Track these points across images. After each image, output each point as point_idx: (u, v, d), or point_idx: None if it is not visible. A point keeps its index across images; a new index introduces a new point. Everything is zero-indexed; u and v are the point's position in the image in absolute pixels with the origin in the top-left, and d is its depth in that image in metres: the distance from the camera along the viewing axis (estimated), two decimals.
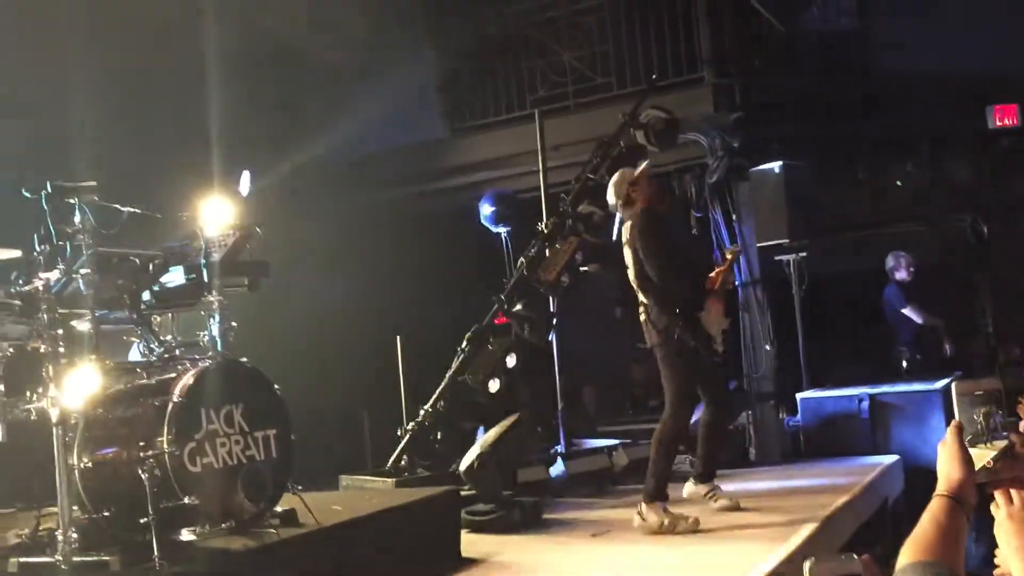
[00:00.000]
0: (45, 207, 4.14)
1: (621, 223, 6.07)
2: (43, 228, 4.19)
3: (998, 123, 9.62)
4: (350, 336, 8.60)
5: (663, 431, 5.77)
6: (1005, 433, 1.87)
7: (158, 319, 4.81)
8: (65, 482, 3.82)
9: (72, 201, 4.17)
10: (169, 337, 4.71)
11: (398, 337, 7.74)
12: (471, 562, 5.14)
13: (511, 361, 7.23)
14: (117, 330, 4.75)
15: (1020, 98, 9.49)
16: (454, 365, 7.03)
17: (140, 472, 3.87)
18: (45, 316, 3.96)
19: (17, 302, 4.09)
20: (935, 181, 9.92)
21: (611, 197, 6.07)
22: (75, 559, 3.73)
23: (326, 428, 7.35)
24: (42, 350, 3.96)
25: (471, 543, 5.43)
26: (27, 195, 4.17)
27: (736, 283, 8.07)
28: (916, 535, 1.78)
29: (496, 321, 7.21)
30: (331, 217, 9.26)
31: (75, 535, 3.77)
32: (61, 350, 3.95)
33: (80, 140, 6.68)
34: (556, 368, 7.90)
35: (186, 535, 4.06)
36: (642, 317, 5.87)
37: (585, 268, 7.58)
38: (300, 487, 4.52)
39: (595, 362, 9.19)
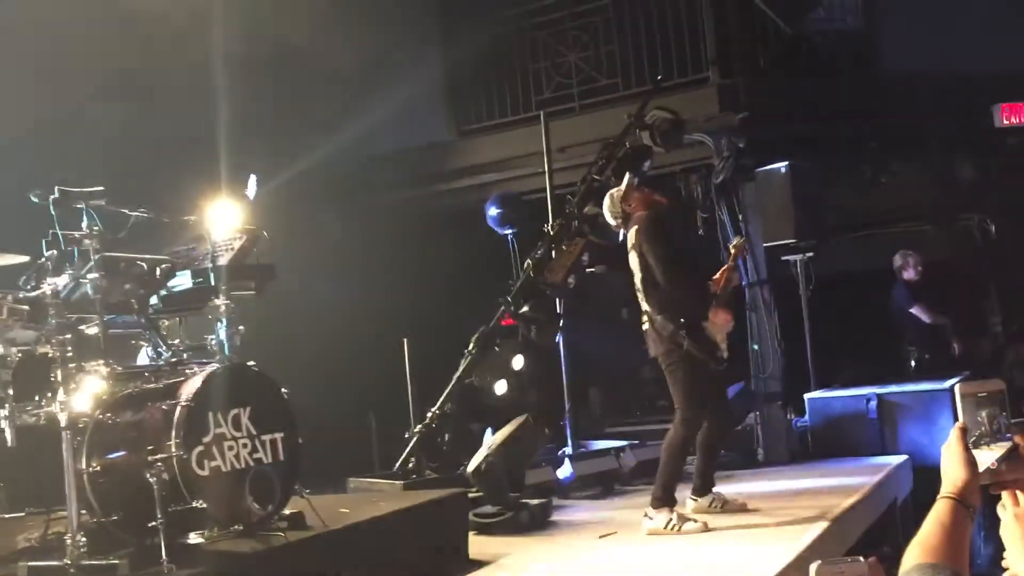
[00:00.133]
0: (53, 212, 4.16)
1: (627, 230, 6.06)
2: (51, 233, 4.22)
3: (1005, 122, 9.60)
4: (357, 338, 8.62)
5: (673, 438, 5.75)
6: (1009, 435, 1.87)
7: (166, 323, 4.83)
8: (74, 486, 3.84)
9: (79, 206, 4.20)
10: (177, 341, 4.73)
11: (405, 339, 7.75)
12: (478, 564, 5.15)
13: (518, 363, 7.24)
14: (125, 334, 4.77)
15: None
16: (461, 367, 7.04)
17: (148, 476, 3.89)
18: (53, 321, 3.99)
19: (25, 307, 4.10)
20: (942, 180, 9.90)
21: (610, 220, 6.07)
22: (84, 563, 3.74)
23: (333, 431, 7.35)
24: (51, 355, 3.99)
25: (478, 545, 5.44)
26: (35, 200, 4.19)
27: (743, 283, 8.06)
28: (921, 537, 1.78)
29: (503, 323, 7.22)
30: (337, 220, 9.28)
31: (84, 539, 3.78)
32: (69, 355, 3.97)
33: (87, 145, 6.71)
34: (563, 369, 7.90)
35: (194, 538, 4.08)
36: (645, 326, 5.85)
37: (592, 269, 7.58)
38: (308, 490, 4.54)
39: (602, 363, 9.19)
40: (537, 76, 10.02)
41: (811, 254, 8.94)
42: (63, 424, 3.87)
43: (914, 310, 9.55)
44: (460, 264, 9.23)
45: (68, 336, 3.98)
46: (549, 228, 7.40)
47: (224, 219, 4.81)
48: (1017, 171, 9.81)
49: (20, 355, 4.11)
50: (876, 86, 9.48)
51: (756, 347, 8.63)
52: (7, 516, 4.18)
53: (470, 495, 5.87)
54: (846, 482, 6.82)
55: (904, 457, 7.70)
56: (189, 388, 4.21)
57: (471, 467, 6.23)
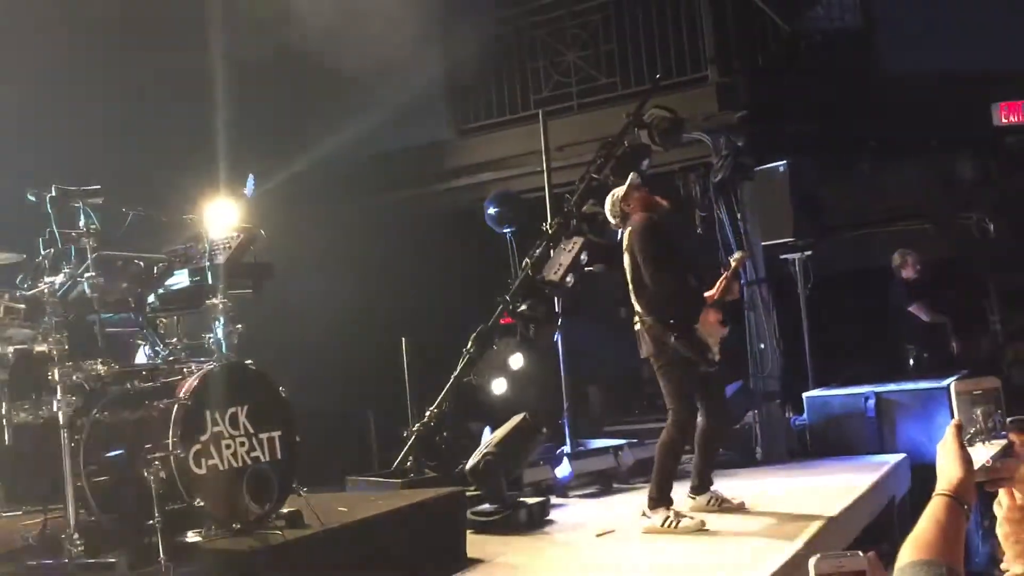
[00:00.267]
0: (50, 211, 4.16)
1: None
2: (48, 232, 4.21)
3: (1004, 120, 9.60)
4: (355, 337, 8.62)
5: (666, 438, 5.77)
6: (1004, 432, 1.87)
7: (163, 322, 4.82)
8: (71, 484, 3.83)
9: (76, 204, 4.19)
10: (174, 340, 4.72)
11: (403, 338, 7.74)
12: (476, 562, 5.15)
13: (516, 362, 7.23)
14: (122, 333, 4.76)
15: None
16: (459, 366, 7.03)
17: (146, 474, 3.88)
18: (51, 319, 3.98)
19: (23, 305, 4.10)
20: (941, 178, 9.90)
21: (611, 218, 6.09)
22: (81, 561, 3.74)
23: (331, 429, 7.36)
24: (48, 353, 3.98)
25: (476, 543, 5.43)
26: (32, 199, 4.19)
27: (741, 291, 8.05)
28: (916, 534, 1.78)
29: (501, 322, 7.21)
30: (336, 219, 9.27)
31: (81, 537, 3.78)
32: (67, 353, 3.96)
33: (85, 143, 6.70)
34: (561, 368, 7.90)
35: (192, 537, 4.08)
36: (637, 327, 5.86)
37: (590, 268, 7.57)
38: (305, 489, 4.53)
39: (601, 362, 9.19)
40: (536, 75, 10.02)
41: (810, 253, 8.94)
42: (60, 422, 3.87)
43: (912, 309, 9.55)
44: (458, 263, 9.23)
45: (65, 334, 3.97)
46: (548, 227, 7.39)
47: (222, 218, 4.80)
48: (1015, 169, 9.81)
49: (17, 353, 4.11)
50: (875, 85, 9.49)
51: (762, 346, 8.62)
52: (4, 515, 4.18)
53: (468, 494, 5.87)
54: (844, 480, 6.82)
55: (902, 456, 7.70)
56: (187, 387, 4.21)
57: (469, 466, 6.23)
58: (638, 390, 10.27)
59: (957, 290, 10.11)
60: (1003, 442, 1.87)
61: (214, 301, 4.56)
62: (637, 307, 5.84)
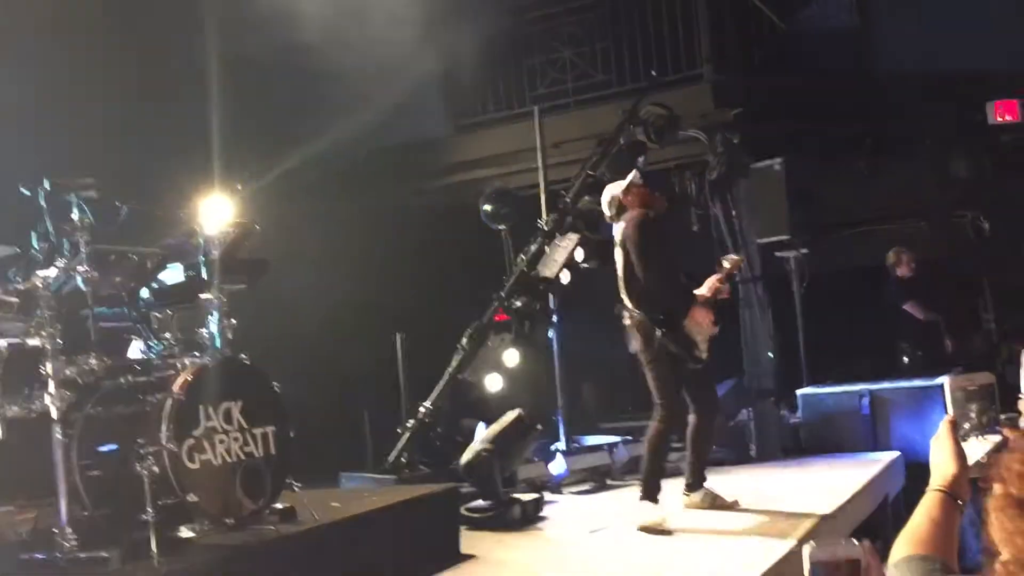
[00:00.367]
0: (43, 204, 4.14)
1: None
2: (41, 225, 4.19)
3: (998, 119, 9.61)
4: (350, 333, 8.60)
5: (652, 434, 5.80)
6: (998, 428, 1.87)
7: (157, 316, 4.80)
8: (64, 479, 3.82)
9: (70, 198, 4.16)
10: (168, 334, 4.70)
11: (398, 334, 7.73)
12: (470, 558, 5.14)
13: (511, 358, 7.23)
14: (116, 327, 4.75)
15: (1020, 94, 9.47)
16: (454, 362, 7.03)
17: (139, 469, 3.87)
18: (44, 313, 3.96)
19: (15, 299, 4.08)
20: (936, 177, 9.91)
21: (607, 210, 6.08)
22: (74, 556, 3.73)
23: (326, 425, 7.34)
24: (41, 347, 3.96)
25: (470, 540, 5.43)
26: (25, 192, 4.17)
27: (735, 291, 8.05)
28: (910, 529, 1.78)
29: (496, 318, 7.22)
30: (331, 214, 9.25)
31: (74, 532, 3.77)
32: (60, 347, 3.95)
33: (79, 137, 6.68)
34: (556, 365, 7.90)
35: (185, 532, 4.06)
36: (626, 322, 5.87)
37: (585, 265, 7.58)
38: (299, 484, 4.52)
39: (595, 359, 9.18)
40: (532, 71, 10.01)
41: (805, 250, 8.96)
42: (53, 417, 3.86)
43: (907, 307, 9.55)
44: (453, 259, 9.22)
45: (58, 328, 3.96)
46: (543, 224, 7.39)
47: (216, 213, 4.78)
48: (1010, 168, 9.83)
49: (10, 348, 4.09)
50: (870, 83, 9.50)
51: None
52: None
53: (462, 490, 5.87)
54: (838, 478, 6.82)
55: (896, 453, 7.71)
56: (180, 381, 4.19)
57: (463, 462, 6.22)
58: (633, 387, 10.26)
59: (951, 288, 10.12)
60: (997, 438, 1.87)
61: (209, 296, 4.55)
62: (627, 302, 5.85)
